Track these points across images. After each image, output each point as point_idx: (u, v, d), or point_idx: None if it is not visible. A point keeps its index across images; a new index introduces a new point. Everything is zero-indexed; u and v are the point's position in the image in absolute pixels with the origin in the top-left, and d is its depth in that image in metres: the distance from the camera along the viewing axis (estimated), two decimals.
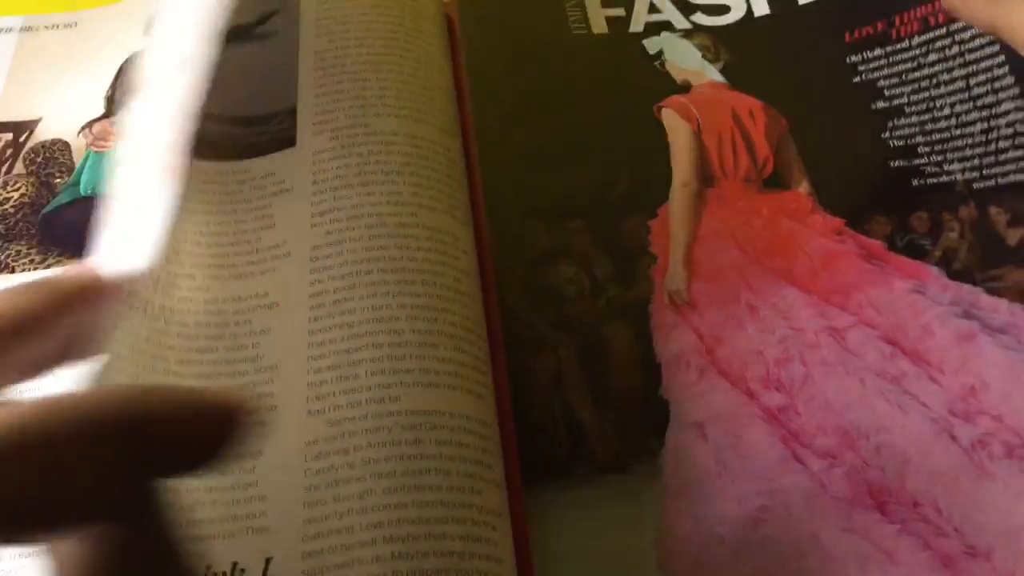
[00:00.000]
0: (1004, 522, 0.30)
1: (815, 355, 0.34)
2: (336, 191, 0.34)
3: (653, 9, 0.46)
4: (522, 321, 0.35)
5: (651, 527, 0.30)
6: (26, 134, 0.44)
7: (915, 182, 0.39)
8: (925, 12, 0.43)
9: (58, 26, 0.48)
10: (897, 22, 0.44)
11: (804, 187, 0.39)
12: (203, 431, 0.17)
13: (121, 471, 0.16)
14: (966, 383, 0.33)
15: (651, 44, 0.45)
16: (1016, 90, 0.40)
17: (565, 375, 0.34)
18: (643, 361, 0.34)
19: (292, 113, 0.38)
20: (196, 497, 0.27)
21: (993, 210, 0.38)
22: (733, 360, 0.34)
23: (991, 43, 0.41)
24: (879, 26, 0.44)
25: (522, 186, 0.39)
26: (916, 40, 0.43)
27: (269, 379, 0.30)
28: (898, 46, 0.43)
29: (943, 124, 0.40)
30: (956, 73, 0.41)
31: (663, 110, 0.42)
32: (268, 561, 0.27)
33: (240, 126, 0.38)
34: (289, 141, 0.37)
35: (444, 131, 0.38)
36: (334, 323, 0.31)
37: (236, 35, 0.42)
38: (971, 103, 0.40)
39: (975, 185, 0.39)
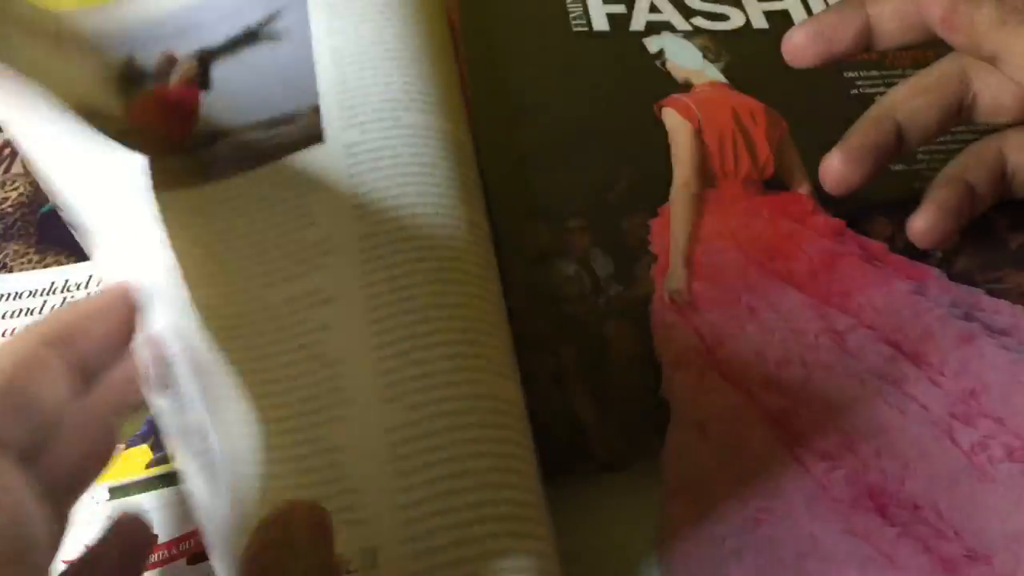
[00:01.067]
0: (1004, 525, 0.30)
1: (815, 357, 0.34)
2: (376, 182, 0.34)
3: (654, 9, 0.46)
4: (522, 320, 0.35)
5: (652, 526, 0.30)
6: None
7: (916, 185, 0.39)
8: (915, 54, 0.44)
9: None
10: (889, 55, 0.44)
11: (805, 188, 0.39)
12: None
13: None
14: (967, 385, 0.33)
15: (652, 43, 0.45)
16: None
17: (565, 374, 0.34)
18: (644, 361, 0.34)
19: (316, 111, 0.37)
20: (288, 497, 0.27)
21: (993, 213, 0.38)
22: (733, 361, 0.34)
23: None
24: (873, 54, 0.44)
25: (521, 185, 0.39)
26: (909, 71, 0.43)
27: (338, 374, 0.30)
28: (892, 71, 0.44)
29: (939, 139, 0.41)
30: None
31: (664, 109, 0.42)
32: (375, 551, 0.27)
33: (263, 129, 0.38)
34: (317, 137, 0.36)
35: (462, 128, 0.38)
36: (396, 310, 0.31)
37: (246, 38, 0.41)
38: (964, 126, 0.41)
39: None
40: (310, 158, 0.36)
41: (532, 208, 0.38)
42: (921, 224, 0.34)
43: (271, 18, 0.42)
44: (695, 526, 0.30)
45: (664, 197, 0.39)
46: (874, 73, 0.44)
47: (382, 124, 0.36)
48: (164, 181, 0.36)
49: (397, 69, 0.38)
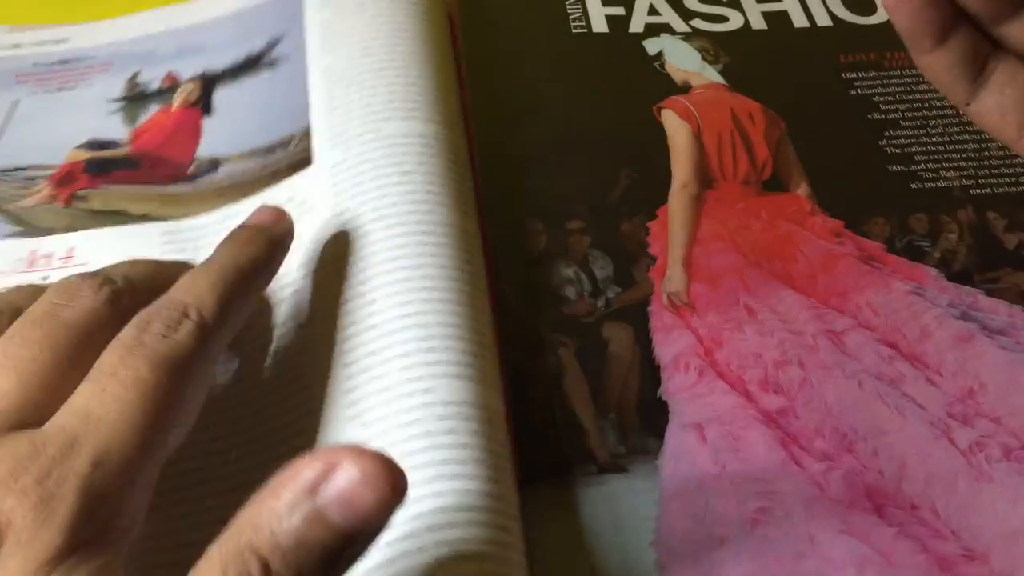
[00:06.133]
0: (1001, 525, 0.30)
1: (813, 358, 0.34)
2: (354, 199, 0.35)
3: (652, 11, 0.47)
4: (521, 322, 0.35)
5: (650, 527, 0.30)
6: None
7: (913, 185, 0.39)
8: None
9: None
10: (888, 56, 0.45)
11: (803, 189, 0.39)
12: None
13: None
14: (965, 385, 0.33)
15: (651, 44, 0.45)
16: None
17: (564, 376, 0.34)
18: (642, 362, 0.34)
19: (308, 133, 0.38)
20: None
21: (991, 215, 0.38)
22: (732, 362, 0.34)
23: None
24: (871, 55, 0.45)
25: (521, 186, 0.39)
26: (907, 72, 0.44)
27: (310, 396, 0.31)
28: (890, 72, 0.44)
29: (937, 139, 0.41)
30: (946, 102, 0.42)
31: (663, 111, 0.42)
32: None
33: (260, 156, 0.39)
34: (307, 161, 0.37)
35: (452, 129, 0.38)
36: (362, 327, 0.31)
37: (247, 65, 0.42)
38: (961, 127, 0.42)
39: (972, 191, 0.39)
40: (299, 182, 0.37)
41: (531, 209, 0.39)
42: None
43: (272, 44, 0.42)
44: (694, 527, 0.30)
45: (663, 199, 0.39)
46: (872, 74, 0.44)
47: (363, 139, 0.36)
48: (164, 207, 0.37)
49: (382, 79, 0.38)
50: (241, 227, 0.30)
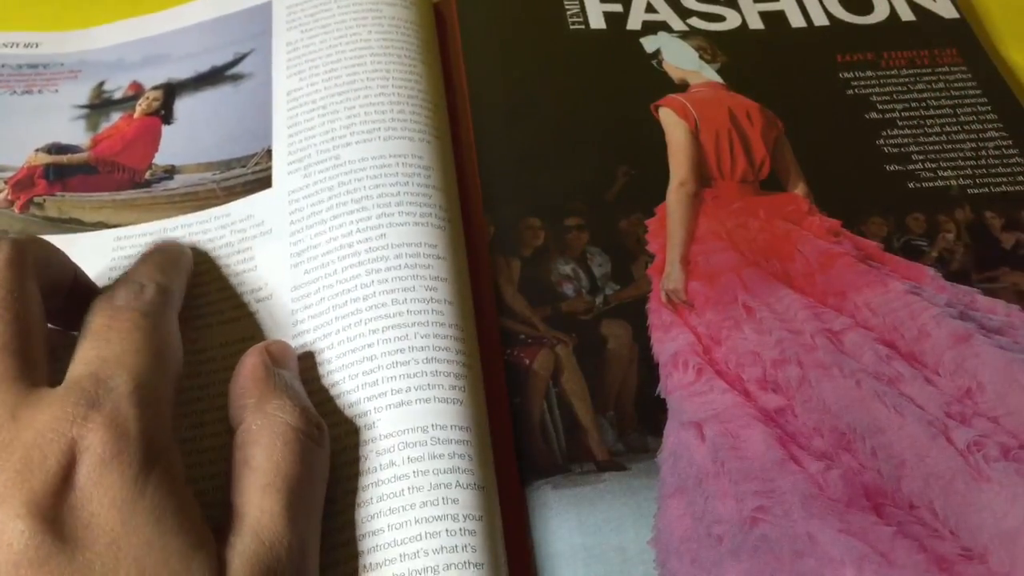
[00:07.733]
0: (999, 524, 0.30)
1: (811, 357, 0.34)
2: (311, 228, 0.35)
3: (650, 8, 0.46)
4: (519, 319, 0.35)
5: (649, 526, 0.30)
6: None
7: (911, 185, 0.39)
8: (911, 55, 0.45)
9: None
10: (885, 56, 0.45)
11: (801, 189, 0.39)
12: None
13: None
14: (962, 384, 0.33)
15: (648, 42, 0.45)
16: (999, 124, 0.42)
17: (563, 373, 0.34)
18: (641, 360, 0.34)
19: (270, 154, 0.38)
20: None
21: (988, 214, 0.38)
22: (730, 360, 0.34)
23: (975, 86, 0.43)
24: (869, 55, 0.45)
25: (520, 182, 0.39)
26: (904, 72, 0.44)
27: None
28: (887, 72, 0.44)
29: (934, 138, 0.41)
30: (943, 102, 0.43)
31: (660, 109, 0.42)
32: None
33: (217, 169, 0.39)
34: (267, 182, 0.37)
35: (421, 139, 0.38)
36: (314, 361, 0.32)
37: (211, 76, 0.42)
38: (959, 126, 0.42)
39: (969, 191, 0.39)
40: (259, 202, 0.37)
41: (530, 206, 0.38)
42: None
43: (238, 59, 0.42)
44: (693, 526, 0.30)
45: (661, 197, 0.39)
46: (869, 74, 0.44)
47: (322, 166, 0.37)
48: (118, 214, 0.37)
49: (344, 103, 0.38)
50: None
